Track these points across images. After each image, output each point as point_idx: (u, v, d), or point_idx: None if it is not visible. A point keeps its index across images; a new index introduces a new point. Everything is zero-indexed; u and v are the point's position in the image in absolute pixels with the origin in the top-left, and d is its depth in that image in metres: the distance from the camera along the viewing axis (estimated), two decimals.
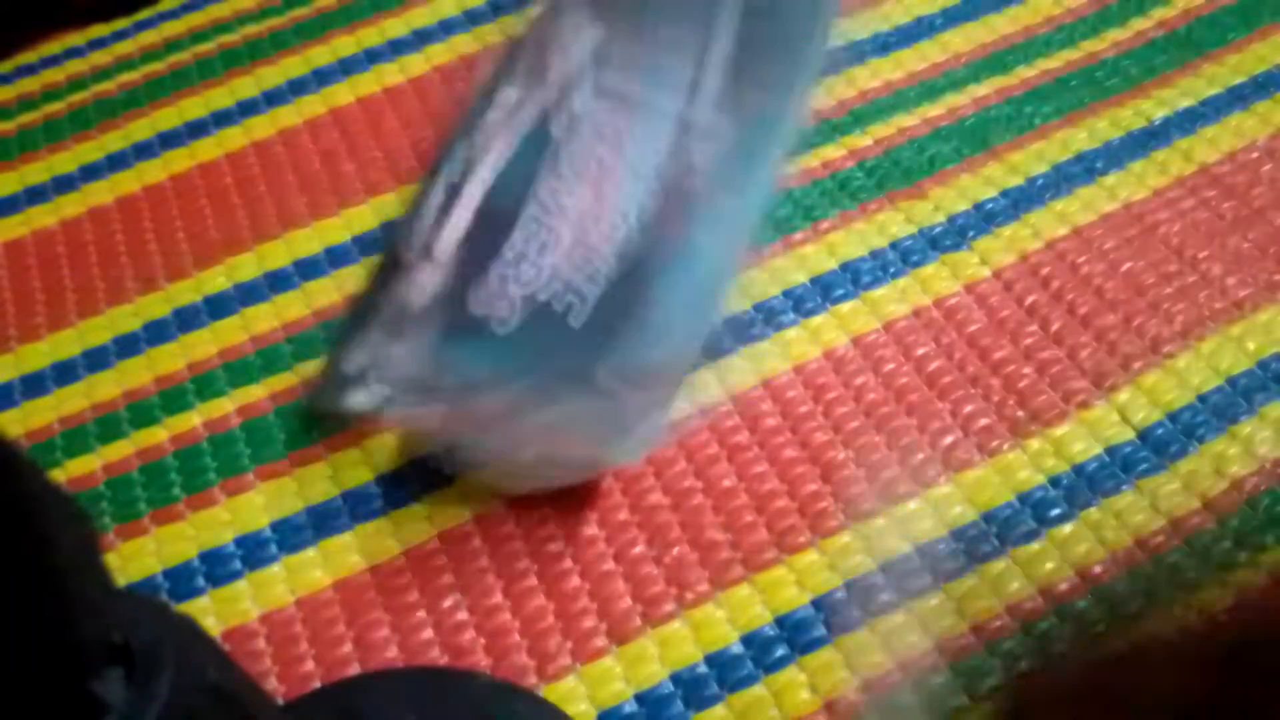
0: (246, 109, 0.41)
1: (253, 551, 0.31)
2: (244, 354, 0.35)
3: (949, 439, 0.31)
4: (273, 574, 0.30)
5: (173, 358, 0.35)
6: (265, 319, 0.35)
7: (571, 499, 0.31)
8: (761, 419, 0.32)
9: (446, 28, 0.43)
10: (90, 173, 0.40)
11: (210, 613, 0.30)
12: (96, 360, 0.35)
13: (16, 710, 0.14)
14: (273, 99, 0.41)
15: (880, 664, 0.28)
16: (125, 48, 0.44)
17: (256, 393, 0.34)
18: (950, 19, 0.41)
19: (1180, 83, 0.38)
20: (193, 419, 0.33)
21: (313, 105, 0.41)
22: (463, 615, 0.29)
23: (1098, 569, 0.29)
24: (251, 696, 0.18)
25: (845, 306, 0.34)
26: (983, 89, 0.39)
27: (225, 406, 0.34)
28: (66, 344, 0.36)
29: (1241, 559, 0.28)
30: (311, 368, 0.34)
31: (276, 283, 0.36)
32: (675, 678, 0.28)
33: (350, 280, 0.36)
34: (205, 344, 0.35)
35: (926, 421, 0.31)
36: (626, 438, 0.30)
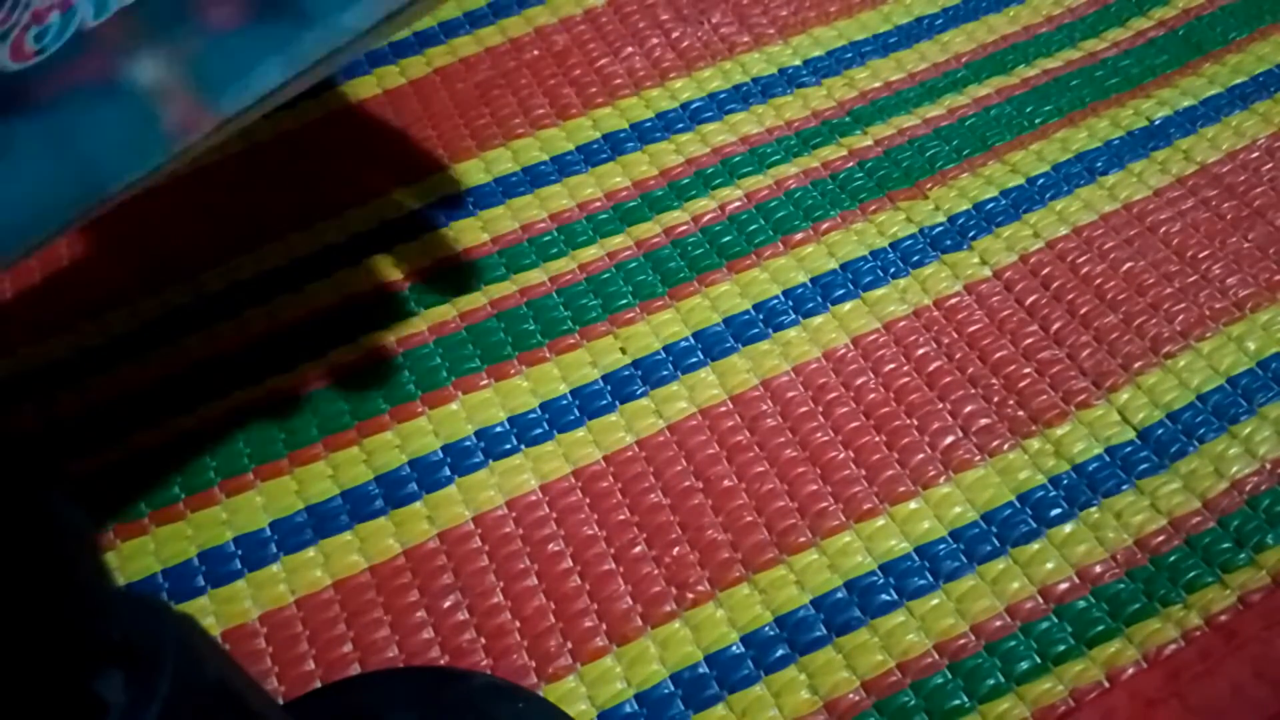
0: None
1: (252, 551, 0.31)
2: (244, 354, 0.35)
3: (949, 439, 0.31)
4: (272, 574, 0.30)
5: (173, 358, 0.35)
6: (262, 320, 0.35)
7: (571, 498, 0.31)
8: (761, 419, 0.32)
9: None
10: None
11: (210, 612, 0.30)
12: (97, 361, 0.35)
13: (17, 710, 0.14)
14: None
15: (880, 664, 0.28)
16: None
17: (254, 393, 0.34)
18: (951, 19, 0.41)
19: (1181, 82, 0.38)
20: (191, 420, 0.33)
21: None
22: (463, 615, 0.29)
23: (1098, 569, 0.29)
24: (252, 696, 0.18)
25: (845, 307, 0.34)
26: (983, 89, 0.39)
27: (224, 406, 0.34)
28: (66, 346, 0.36)
29: (1241, 559, 0.28)
30: (316, 369, 0.34)
31: (277, 284, 0.36)
32: (675, 678, 0.28)
33: (351, 279, 0.36)
34: (204, 345, 0.35)
35: (926, 422, 0.31)
36: None
